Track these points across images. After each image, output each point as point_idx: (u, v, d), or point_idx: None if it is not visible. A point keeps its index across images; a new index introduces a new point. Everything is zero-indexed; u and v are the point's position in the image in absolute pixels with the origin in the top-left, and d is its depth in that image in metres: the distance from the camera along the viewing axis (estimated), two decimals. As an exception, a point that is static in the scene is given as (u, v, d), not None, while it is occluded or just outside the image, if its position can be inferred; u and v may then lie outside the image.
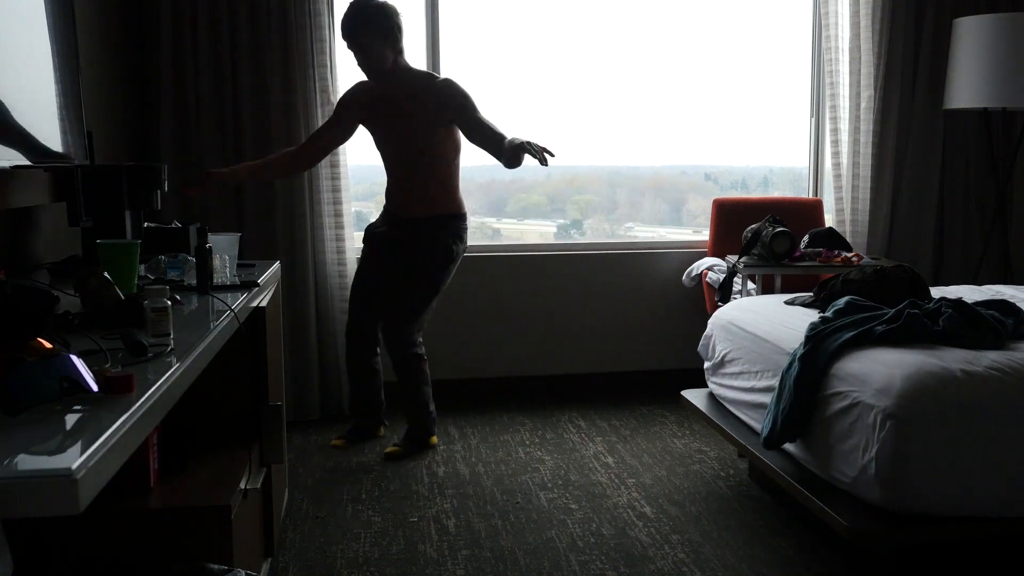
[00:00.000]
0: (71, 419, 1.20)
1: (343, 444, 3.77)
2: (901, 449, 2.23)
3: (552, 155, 3.26)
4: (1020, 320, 2.66)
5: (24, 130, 2.12)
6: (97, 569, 1.86)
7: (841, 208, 4.61)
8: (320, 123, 4.11)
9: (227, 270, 2.46)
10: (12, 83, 2.05)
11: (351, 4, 3.49)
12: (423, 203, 3.64)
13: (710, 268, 4.28)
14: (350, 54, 3.56)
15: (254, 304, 2.35)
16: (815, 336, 2.62)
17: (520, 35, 4.75)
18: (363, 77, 3.63)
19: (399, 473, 3.50)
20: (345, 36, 3.49)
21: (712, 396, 3.36)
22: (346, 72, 4.27)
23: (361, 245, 4.26)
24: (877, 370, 2.37)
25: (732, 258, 4.02)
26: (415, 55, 4.46)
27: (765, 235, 3.92)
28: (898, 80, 4.50)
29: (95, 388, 1.26)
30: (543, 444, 3.83)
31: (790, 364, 2.64)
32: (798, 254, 3.98)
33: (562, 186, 5.16)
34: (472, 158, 4.82)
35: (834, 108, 4.54)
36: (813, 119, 4.87)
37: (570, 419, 4.18)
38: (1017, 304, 2.79)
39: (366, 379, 3.83)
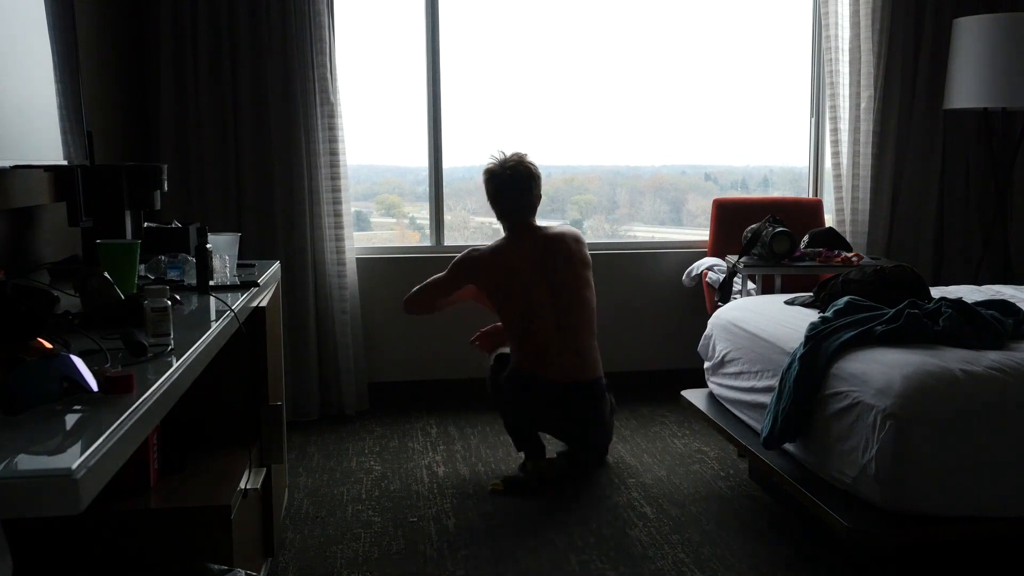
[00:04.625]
0: (71, 419, 1.20)
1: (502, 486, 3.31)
2: (901, 449, 2.23)
3: None
4: (1020, 320, 2.66)
5: (24, 129, 2.12)
6: (97, 569, 1.86)
7: (841, 208, 4.61)
8: (319, 123, 4.11)
9: (227, 270, 2.46)
10: (12, 83, 2.05)
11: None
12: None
13: (710, 268, 4.28)
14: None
15: (254, 304, 2.35)
16: (815, 336, 2.62)
17: (520, 35, 4.75)
18: None
19: (399, 473, 3.50)
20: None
21: (712, 396, 3.36)
22: (346, 72, 4.28)
23: (358, 245, 4.29)
24: (877, 370, 2.37)
25: (732, 258, 4.02)
26: (415, 55, 4.47)
27: (765, 235, 3.92)
28: (898, 80, 4.50)
29: (95, 388, 1.26)
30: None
31: (790, 364, 2.64)
32: (798, 254, 3.98)
33: (562, 186, 5.16)
34: (472, 158, 4.83)
35: (834, 108, 4.54)
36: (813, 119, 4.87)
37: (570, 419, 4.18)
38: (1017, 304, 2.78)
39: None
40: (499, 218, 3.50)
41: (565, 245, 3.43)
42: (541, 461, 3.41)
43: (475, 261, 3.44)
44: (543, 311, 3.36)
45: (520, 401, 3.41)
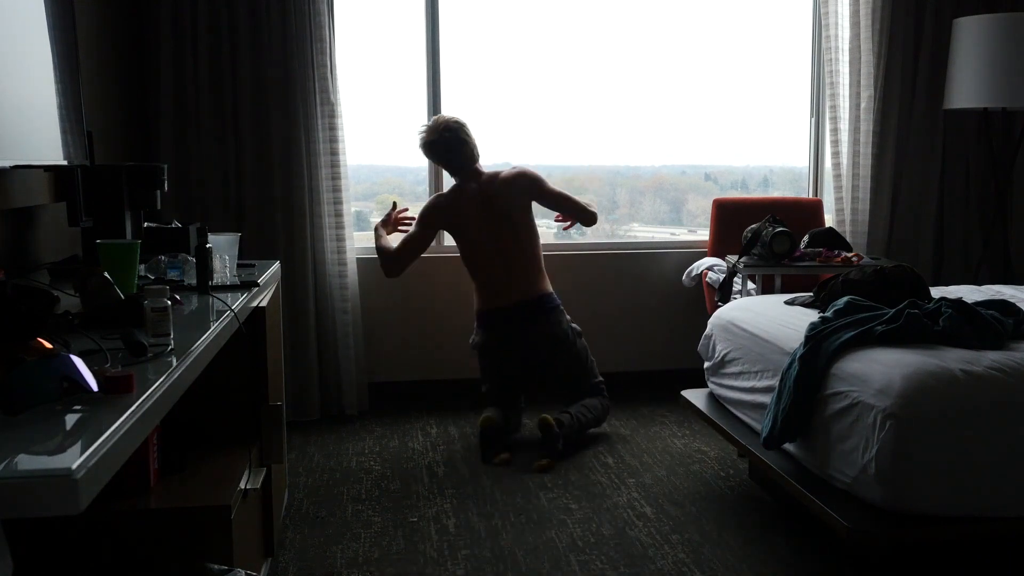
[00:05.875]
0: (71, 419, 1.20)
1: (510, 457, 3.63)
2: (901, 449, 2.23)
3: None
4: (1020, 320, 2.66)
5: (24, 129, 2.12)
6: (97, 569, 1.86)
7: (841, 208, 4.61)
8: (319, 123, 4.11)
9: (227, 270, 2.46)
10: (12, 83, 2.05)
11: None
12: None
13: (710, 268, 4.28)
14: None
15: (254, 304, 2.35)
16: (815, 336, 2.62)
17: (520, 35, 4.75)
18: None
19: (399, 473, 3.51)
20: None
21: (712, 396, 3.36)
22: (346, 72, 4.28)
23: (358, 245, 4.31)
24: (877, 370, 2.37)
25: (732, 258, 4.02)
26: (415, 55, 4.47)
27: (765, 235, 3.92)
28: (898, 80, 4.50)
29: (95, 388, 1.26)
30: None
31: (790, 364, 2.64)
32: (798, 254, 3.98)
33: (562, 186, 5.14)
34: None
35: (834, 108, 4.54)
36: (813, 119, 4.87)
37: (570, 419, 4.18)
38: (1017, 304, 2.78)
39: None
40: (452, 175, 3.93)
41: (505, 179, 3.86)
42: (502, 455, 3.64)
43: (431, 207, 3.93)
44: (487, 243, 3.84)
45: (488, 344, 3.85)
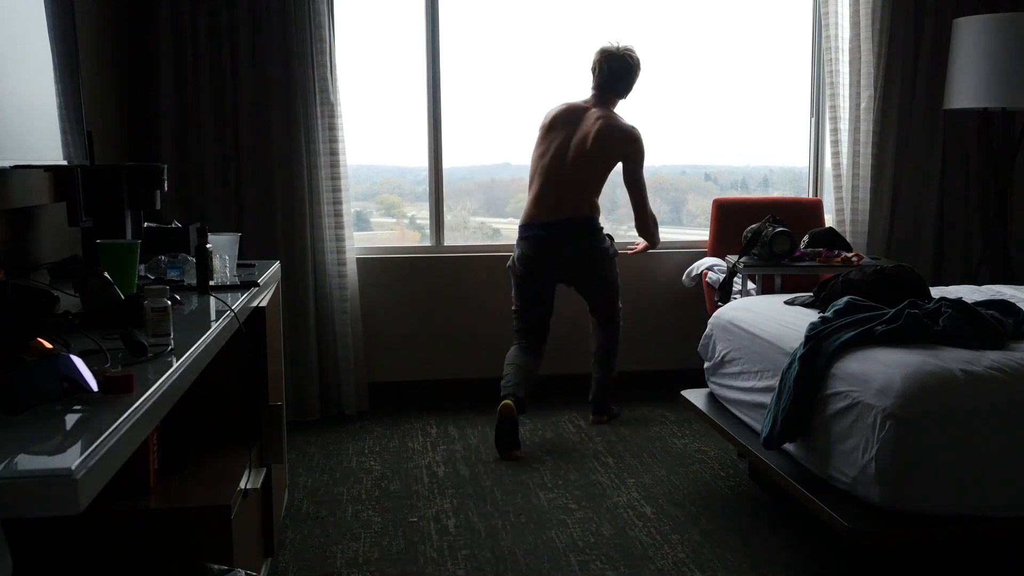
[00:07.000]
0: (71, 419, 1.20)
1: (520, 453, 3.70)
2: (901, 449, 2.23)
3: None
4: (1020, 320, 2.66)
5: (24, 129, 2.12)
6: (97, 569, 1.86)
7: (841, 208, 4.61)
8: (319, 123, 4.11)
9: (227, 270, 2.46)
10: (12, 83, 2.05)
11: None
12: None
13: (710, 268, 4.28)
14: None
15: (254, 304, 2.35)
16: (815, 336, 2.62)
17: (520, 35, 4.74)
18: None
19: (399, 473, 3.51)
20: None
21: (712, 396, 3.36)
22: (346, 72, 4.28)
23: (358, 245, 4.30)
24: (877, 370, 2.37)
25: (732, 258, 4.02)
26: (415, 55, 4.48)
27: (765, 235, 3.92)
28: (898, 80, 4.50)
29: (95, 388, 1.26)
30: (543, 444, 3.83)
31: (790, 364, 2.64)
32: (798, 254, 3.98)
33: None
34: (472, 158, 4.83)
35: (834, 108, 4.54)
36: (813, 119, 4.87)
37: (570, 419, 4.19)
38: (1017, 304, 2.78)
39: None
40: (593, 89, 4.02)
41: (619, 130, 3.94)
42: (515, 449, 3.69)
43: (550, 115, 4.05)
44: (551, 160, 3.91)
45: (525, 256, 3.91)
